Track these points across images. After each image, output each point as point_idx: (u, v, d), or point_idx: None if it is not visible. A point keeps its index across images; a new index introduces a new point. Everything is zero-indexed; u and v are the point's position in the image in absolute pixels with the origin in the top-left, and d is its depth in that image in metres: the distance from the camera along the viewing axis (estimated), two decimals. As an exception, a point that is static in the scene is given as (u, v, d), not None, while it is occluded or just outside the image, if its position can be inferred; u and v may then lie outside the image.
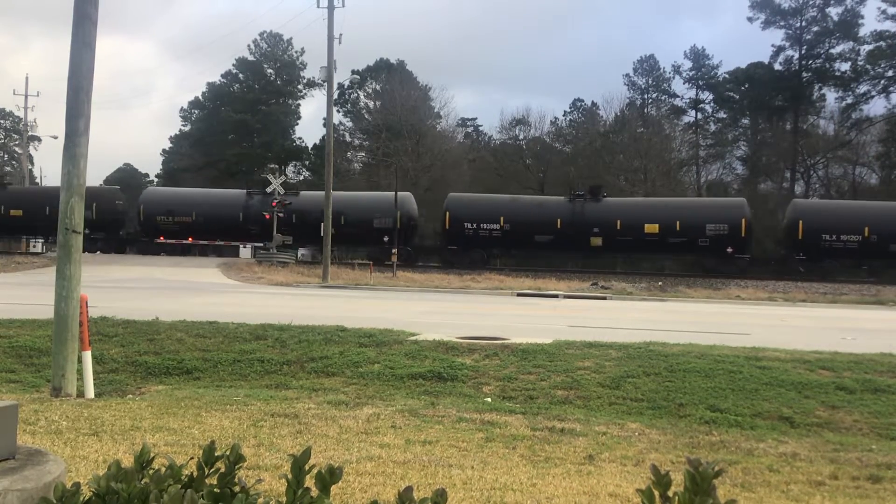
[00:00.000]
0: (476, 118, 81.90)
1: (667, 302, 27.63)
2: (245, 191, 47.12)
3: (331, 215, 34.36)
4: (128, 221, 50.40)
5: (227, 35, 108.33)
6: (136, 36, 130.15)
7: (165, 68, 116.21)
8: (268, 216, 41.58)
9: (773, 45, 66.81)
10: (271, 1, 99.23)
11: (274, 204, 40.65)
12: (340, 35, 35.18)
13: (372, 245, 43.85)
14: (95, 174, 77.38)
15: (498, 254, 45.17)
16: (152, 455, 1.93)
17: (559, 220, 41.60)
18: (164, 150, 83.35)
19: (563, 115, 73.77)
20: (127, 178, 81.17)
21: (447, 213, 43.00)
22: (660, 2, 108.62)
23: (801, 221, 39.53)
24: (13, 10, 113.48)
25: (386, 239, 42.50)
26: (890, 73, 61.65)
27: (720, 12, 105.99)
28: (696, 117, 70.50)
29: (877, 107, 63.61)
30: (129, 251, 47.17)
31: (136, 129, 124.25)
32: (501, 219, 42.21)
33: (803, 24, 64.71)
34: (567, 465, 6.02)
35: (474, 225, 42.47)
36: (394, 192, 43.38)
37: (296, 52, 77.59)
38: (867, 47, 62.53)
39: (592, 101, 72.48)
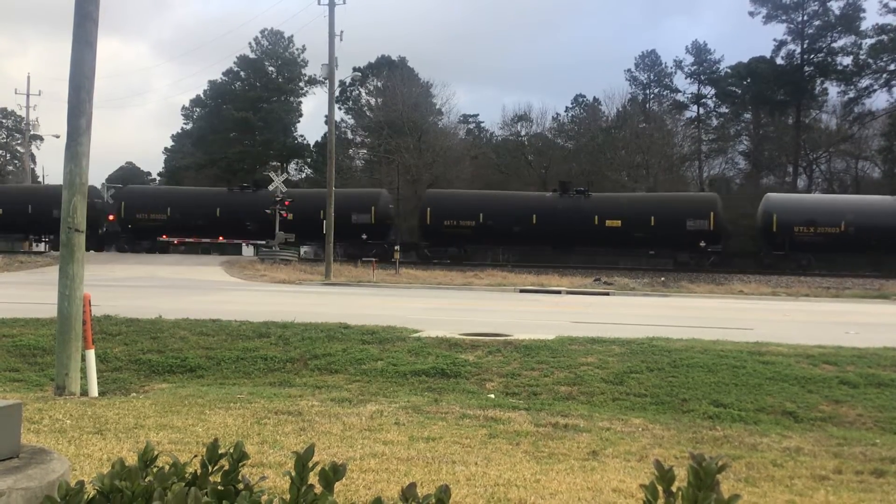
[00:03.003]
0: (478, 114, 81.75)
1: (669, 297, 27.61)
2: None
3: (333, 213, 34.37)
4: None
5: (223, 35, 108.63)
6: (132, 38, 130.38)
7: (162, 69, 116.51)
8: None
9: (774, 40, 66.86)
10: (268, 1, 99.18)
11: (276, 202, 40.64)
12: (342, 32, 35.19)
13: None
14: (97, 173, 77.49)
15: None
16: (156, 453, 1.93)
17: None
18: (165, 149, 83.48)
19: (565, 111, 73.70)
20: (129, 176, 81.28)
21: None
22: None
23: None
24: (11, 13, 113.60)
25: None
26: (892, 67, 61.55)
27: (721, 7, 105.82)
28: (697, 112, 70.43)
29: (879, 101, 63.56)
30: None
31: (137, 128, 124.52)
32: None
33: (805, 18, 64.59)
34: (571, 461, 6.02)
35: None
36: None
37: (297, 49, 77.57)
38: (869, 41, 62.50)
39: (594, 97, 72.36)
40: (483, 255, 45.96)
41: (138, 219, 45.88)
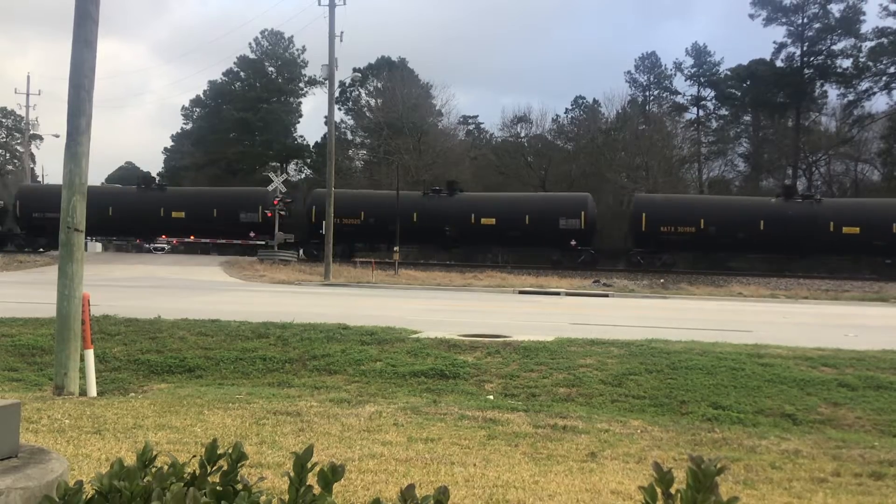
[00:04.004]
0: (477, 115, 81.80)
1: (669, 299, 27.61)
2: None
3: (332, 213, 34.36)
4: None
5: (222, 36, 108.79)
6: (131, 38, 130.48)
7: (161, 69, 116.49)
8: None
9: (774, 42, 66.81)
10: (267, 2, 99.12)
11: (276, 202, 40.63)
12: (342, 33, 35.25)
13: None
14: (97, 173, 77.53)
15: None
16: (155, 453, 1.93)
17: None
18: (165, 149, 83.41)
19: (565, 113, 73.62)
20: (128, 176, 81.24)
21: None
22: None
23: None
24: (11, 13, 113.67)
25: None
26: (892, 70, 61.56)
27: (721, 9, 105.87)
28: (697, 114, 70.42)
29: (879, 103, 63.62)
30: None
31: (137, 128, 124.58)
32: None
33: (805, 20, 64.60)
34: (569, 463, 6.01)
35: None
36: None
37: (297, 50, 77.56)
38: (869, 44, 62.50)
39: (594, 99, 72.24)
40: (699, 264, 43.63)
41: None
